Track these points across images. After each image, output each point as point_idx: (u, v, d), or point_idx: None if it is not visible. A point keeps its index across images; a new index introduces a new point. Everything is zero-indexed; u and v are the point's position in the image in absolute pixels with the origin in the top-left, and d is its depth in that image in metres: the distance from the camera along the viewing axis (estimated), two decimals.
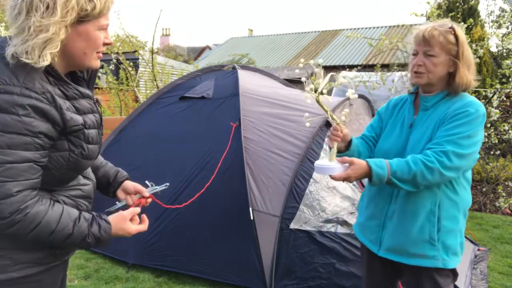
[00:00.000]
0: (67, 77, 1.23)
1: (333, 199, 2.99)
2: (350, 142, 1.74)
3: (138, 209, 1.35)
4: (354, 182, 3.08)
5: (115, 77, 7.84)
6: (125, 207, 1.45)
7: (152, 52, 7.03)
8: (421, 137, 1.62)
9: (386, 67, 7.99)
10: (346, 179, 1.51)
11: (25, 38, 1.07)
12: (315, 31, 20.98)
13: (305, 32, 21.20)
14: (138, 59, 8.64)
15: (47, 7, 1.08)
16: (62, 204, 1.20)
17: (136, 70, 8.54)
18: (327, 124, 3.26)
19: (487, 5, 8.99)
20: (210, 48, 25.36)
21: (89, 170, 1.41)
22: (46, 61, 1.09)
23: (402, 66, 7.24)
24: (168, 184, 1.55)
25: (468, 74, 1.60)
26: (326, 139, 1.67)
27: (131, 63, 7.83)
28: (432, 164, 1.47)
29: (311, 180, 3.01)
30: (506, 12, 11.26)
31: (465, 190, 1.64)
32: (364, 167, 1.50)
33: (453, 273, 1.66)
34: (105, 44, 1.23)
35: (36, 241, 1.15)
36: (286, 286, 2.82)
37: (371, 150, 1.83)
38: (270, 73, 4.56)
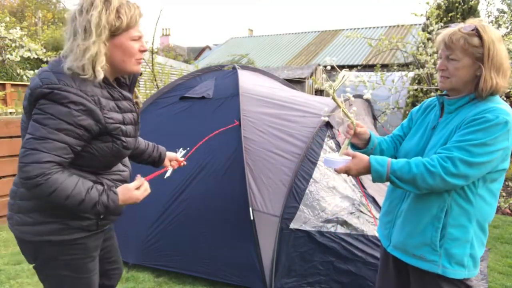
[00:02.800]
0: (113, 82, 1.55)
1: (333, 199, 2.99)
2: (369, 139, 1.76)
3: (142, 179, 1.56)
4: (354, 182, 3.08)
5: None
6: (172, 171, 2.00)
7: (152, 52, 7.02)
8: (438, 140, 1.58)
9: (386, 67, 8.00)
10: (347, 171, 1.55)
11: (76, 57, 1.40)
12: (315, 31, 20.98)
13: (305, 32, 21.20)
14: None
15: (85, 30, 1.39)
16: (79, 177, 1.45)
17: None
18: (327, 124, 3.26)
19: (487, 5, 8.98)
20: (210, 48, 25.35)
21: (126, 159, 1.75)
22: (100, 76, 1.43)
23: (402, 66, 7.25)
24: (188, 148, 2.18)
25: (496, 77, 1.49)
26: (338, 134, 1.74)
27: None
28: (434, 169, 1.44)
29: (311, 180, 3.02)
30: (505, 12, 11.27)
31: (484, 201, 1.54)
32: (365, 162, 1.52)
33: (466, 286, 1.57)
34: (141, 51, 1.53)
35: (54, 203, 1.41)
36: (286, 284, 2.82)
37: (398, 150, 1.83)
38: (270, 73, 4.56)
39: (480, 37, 1.49)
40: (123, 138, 1.54)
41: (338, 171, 1.56)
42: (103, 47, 1.42)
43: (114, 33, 1.45)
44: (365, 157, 1.53)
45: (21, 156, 1.38)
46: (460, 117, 1.55)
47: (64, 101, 1.37)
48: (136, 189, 1.52)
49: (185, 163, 2.08)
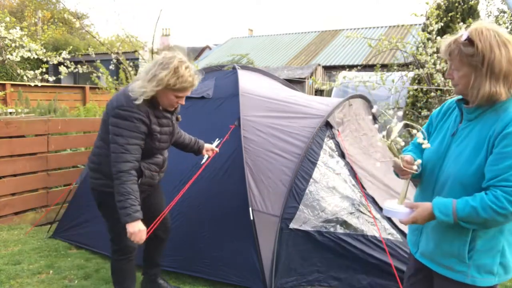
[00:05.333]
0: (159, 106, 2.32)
1: (333, 199, 2.99)
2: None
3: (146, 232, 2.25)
4: (354, 182, 3.08)
5: (114, 77, 7.83)
6: (207, 158, 2.87)
7: (152, 52, 7.02)
8: (462, 151, 1.52)
9: (386, 67, 7.99)
10: (414, 222, 1.54)
11: (138, 86, 2.18)
12: (315, 31, 20.98)
13: (305, 32, 21.19)
14: (138, 59, 8.64)
15: (151, 78, 2.17)
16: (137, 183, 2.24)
17: (136, 70, 8.54)
18: (327, 124, 3.26)
19: (487, 5, 8.99)
20: (210, 48, 25.33)
21: (164, 151, 2.51)
22: (140, 101, 2.18)
23: (402, 66, 7.25)
24: (219, 139, 2.99)
25: (496, 85, 1.43)
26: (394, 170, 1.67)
27: (131, 63, 7.83)
28: (504, 211, 1.36)
29: (311, 180, 3.02)
30: (505, 12, 11.27)
31: None
32: (429, 210, 1.49)
33: None
34: (177, 103, 2.32)
35: (115, 187, 2.17)
36: (286, 283, 2.83)
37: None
38: (270, 73, 4.56)
39: (474, 45, 1.44)
40: (157, 143, 2.33)
41: (404, 223, 1.55)
42: (153, 92, 2.19)
43: (167, 87, 2.19)
44: (427, 206, 1.49)
45: (114, 157, 2.17)
46: (484, 128, 1.48)
47: (128, 117, 2.16)
48: (140, 232, 2.17)
49: (217, 150, 2.85)
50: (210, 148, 2.80)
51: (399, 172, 1.66)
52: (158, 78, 2.14)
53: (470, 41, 1.46)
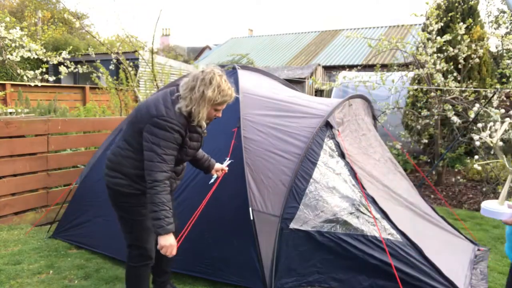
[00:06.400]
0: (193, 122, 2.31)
1: (333, 199, 2.99)
2: None
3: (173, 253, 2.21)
4: (354, 182, 3.08)
5: (115, 77, 7.84)
6: (216, 178, 2.79)
7: (152, 52, 7.02)
8: None
9: (386, 67, 8.00)
10: None
11: (185, 106, 2.21)
12: (315, 31, 20.98)
13: (305, 32, 21.20)
14: (138, 59, 8.63)
15: (199, 99, 2.20)
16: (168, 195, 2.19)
17: (136, 70, 8.53)
18: (327, 124, 3.26)
19: (487, 5, 8.98)
20: (210, 48, 25.34)
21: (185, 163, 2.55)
22: (185, 113, 2.22)
23: (402, 66, 7.25)
24: (232, 160, 2.88)
25: None
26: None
27: (131, 63, 7.83)
28: None
29: (311, 180, 3.02)
30: (505, 12, 11.26)
31: None
32: None
33: None
34: (215, 116, 2.35)
35: (150, 197, 2.14)
36: (286, 284, 2.83)
37: None
38: (270, 73, 4.56)
39: None
40: (184, 156, 2.35)
41: (508, 223, 1.56)
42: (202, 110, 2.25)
43: (209, 102, 2.22)
44: None
45: (149, 165, 2.16)
46: None
47: (167, 128, 2.17)
48: (172, 246, 2.15)
49: (226, 170, 2.78)
50: (220, 168, 2.75)
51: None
52: (207, 98, 2.18)
53: None
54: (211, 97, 2.19)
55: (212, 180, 2.77)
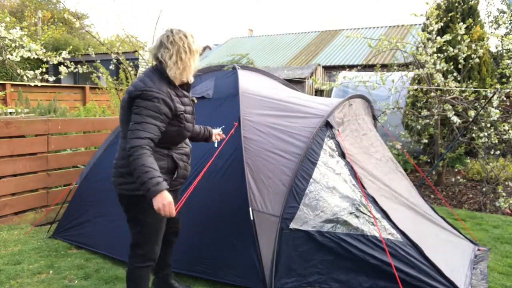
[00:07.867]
0: (179, 86, 2.34)
1: (333, 199, 2.99)
2: None
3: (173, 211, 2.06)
4: (354, 182, 3.08)
5: (115, 77, 7.83)
6: (218, 143, 2.99)
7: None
8: None
9: (386, 67, 7.99)
10: None
11: (179, 69, 2.26)
12: (315, 31, 20.98)
13: (305, 32, 21.20)
14: (138, 59, 8.63)
15: (187, 54, 2.26)
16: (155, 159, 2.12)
17: (136, 70, 8.53)
18: (327, 124, 3.26)
19: (487, 5, 8.99)
20: (210, 48, 25.32)
21: (187, 140, 2.51)
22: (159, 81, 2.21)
23: (402, 66, 7.25)
24: (223, 126, 3.06)
25: None
26: None
27: (131, 63, 7.82)
28: None
29: (311, 180, 3.02)
30: (505, 12, 11.26)
31: None
32: None
33: None
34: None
35: (133, 168, 2.04)
36: (286, 284, 2.82)
37: None
38: (270, 73, 4.56)
39: None
40: (185, 123, 2.31)
41: None
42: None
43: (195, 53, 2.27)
44: None
45: (129, 134, 2.08)
46: None
47: (149, 97, 2.12)
48: (169, 204, 2.02)
49: (224, 136, 2.91)
50: (217, 133, 2.83)
51: None
52: (192, 49, 2.26)
53: None
54: (197, 49, 2.29)
55: (216, 145, 3.06)
